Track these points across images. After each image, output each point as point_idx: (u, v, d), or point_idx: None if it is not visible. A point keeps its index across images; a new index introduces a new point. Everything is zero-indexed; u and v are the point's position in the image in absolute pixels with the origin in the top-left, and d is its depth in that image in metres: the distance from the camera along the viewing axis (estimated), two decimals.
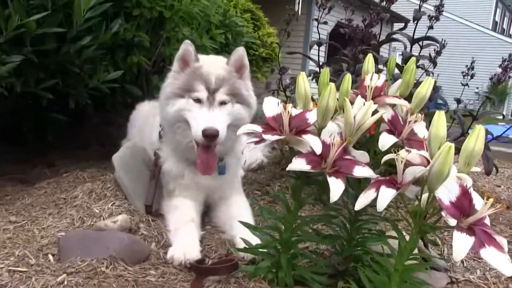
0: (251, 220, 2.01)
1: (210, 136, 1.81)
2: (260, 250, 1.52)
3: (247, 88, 2.03)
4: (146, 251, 1.74)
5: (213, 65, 2.01)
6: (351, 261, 1.59)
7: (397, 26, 8.93)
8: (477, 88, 16.10)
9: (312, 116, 1.35)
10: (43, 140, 3.14)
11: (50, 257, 1.64)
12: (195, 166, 2.00)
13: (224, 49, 4.00)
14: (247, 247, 1.55)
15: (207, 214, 2.19)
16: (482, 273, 1.79)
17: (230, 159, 2.16)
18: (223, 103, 1.93)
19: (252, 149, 3.02)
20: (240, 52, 2.00)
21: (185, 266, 1.65)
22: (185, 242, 1.76)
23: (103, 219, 1.89)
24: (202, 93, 1.91)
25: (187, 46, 1.99)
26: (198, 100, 1.92)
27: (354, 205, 1.47)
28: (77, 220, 1.90)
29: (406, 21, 2.75)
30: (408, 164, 1.20)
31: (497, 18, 26.69)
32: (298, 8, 9.39)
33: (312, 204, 2.20)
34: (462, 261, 1.84)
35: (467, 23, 21.97)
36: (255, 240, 1.60)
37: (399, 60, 2.30)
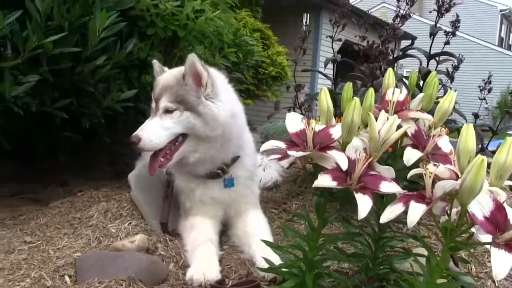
0: (269, 237, 1.99)
1: (131, 142, 1.85)
2: (284, 270, 1.48)
3: (198, 96, 1.91)
4: (165, 272, 1.71)
5: (167, 75, 2.03)
6: (376, 280, 1.55)
7: (404, 43, 8.96)
8: (487, 103, 16.00)
9: (336, 132, 1.32)
10: (55, 159, 3.13)
11: (67, 278, 1.62)
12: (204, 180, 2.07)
13: (235, 68, 4.01)
14: (270, 266, 1.51)
15: (224, 234, 2.16)
16: None
17: (237, 171, 2.13)
18: (167, 111, 1.90)
19: (267, 168, 3.00)
20: (189, 59, 1.90)
21: (205, 287, 1.62)
22: (204, 262, 1.73)
23: (120, 239, 1.87)
24: (152, 103, 1.96)
25: (154, 65, 2.11)
26: (153, 111, 1.97)
27: (377, 221, 1.46)
28: (93, 240, 1.88)
29: (413, 39, 2.74)
30: (436, 179, 1.17)
31: (503, 34, 26.85)
32: (307, 25, 9.43)
33: (333, 223, 2.17)
34: (492, 280, 1.78)
35: (473, 39, 22.05)
36: (275, 259, 1.57)
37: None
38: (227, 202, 2.13)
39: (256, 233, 1.97)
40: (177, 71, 2.01)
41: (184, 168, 2.06)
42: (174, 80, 1.95)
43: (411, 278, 1.28)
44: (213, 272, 1.67)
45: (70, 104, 2.40)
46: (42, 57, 2.06)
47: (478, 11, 25.17)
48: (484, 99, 2.55)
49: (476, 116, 2.62)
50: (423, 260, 1.33)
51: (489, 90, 2.57)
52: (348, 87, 1.42)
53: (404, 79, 2.59)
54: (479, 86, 2.58)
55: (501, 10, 25.53)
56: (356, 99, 1.27)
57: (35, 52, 1.98)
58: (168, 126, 1.89)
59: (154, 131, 1.87)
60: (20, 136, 2.86)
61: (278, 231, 2.21)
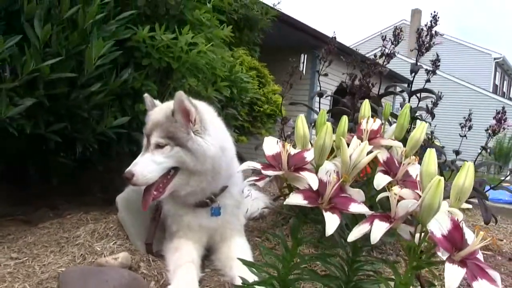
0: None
1: (125, 178, 1.92)
2: (257, 287, 1.53)
3: (187, 132, 1.99)
4: None
5: (157, 111, 2.10)
6: None
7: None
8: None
9: (309, 155, 1.40)
10: (47, 183, 3.19)
11: None
12: (192, 208, 2.12)
13: (229, 104, 4.11)
14: (244, 283, 1.56)
15: (207, 258, 2.20)
16: None
17: (225, 200, 2.20)
18: (158, 146, 1.97)
19: (254, 199, 3.07)
20: (177, 96, 1.98)
21: None
22: (183, 281, 1.79)
23: (104, 256, 1.92)
24: (144, 139, 2.04)
25: (145, 99, 2.19)
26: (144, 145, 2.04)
27: (351, 245, 1.53)
28: (78, 257, 1.93)
29: (409, 83, 2.84)
30: (400, 200, 1.24)
31: (497, 82, 27.40)
32: (303, 68, 9.67)
33: (313, 246, 2.22)
34: None
35: (468, 85, 22.47)
36: (254, 279, 1.62)
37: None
38: (214, 229, 2.19)
39: (239, 257, 2.03)
40: (167, 106, 2.08)
41: (175, 200, 2.13)
42: (164, 116, 2.02)
43: None
44: None
45: (64, 129, 2.48)
46: (39, 81, 2.15)
47: (473, 59, 25.86)
48: (465, 136, 2.66)
49: (457, 153, 2.72)
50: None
51: (470, 128, 2.68)
52: (321, 113, 1.51)
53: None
54: (460, 124, 2.70)
55: (495, 58, 26.17)
56: (328, 123, 1.36)
57: (32, 75, 2.07)
58: (160, 161, 1.96)
59: (146, 166, 1.94)
60: (14, 159, 2.94)
61: (260, 258, 2.25)
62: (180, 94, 1.98)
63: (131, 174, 1.90)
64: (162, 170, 1.97)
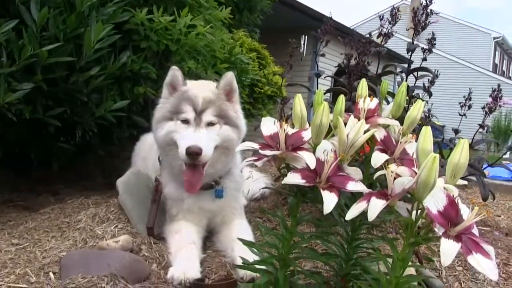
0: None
1: (192, 153, 1.86)
2: (258, 267, 1.55)
3: (235, 111, 2.10)
4: (147, 270, 1.77)
5: (201, 88, 2.10)
6: (349, 280, 1.61)
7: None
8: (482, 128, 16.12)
9: (307, 134, 1.41)
10: (48, 169, 3.20)
11: (51, 275, 1.68)
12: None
13: None
14: (244, 263, 1.58)
15: (209, 239, 2.23)
16: None
17: (228, 182, 2.22)
18: (210, 124, 2.00)
19: (256, 180, 3.08)
20: (228, 76, 2.09)
21: (185, 285, 1.68)
22: (185, 262, 1.80)
23: (106, 240, 1.93)
24: (190, 114, 1.99)
25: (174, 72, 2.10)
26: (185, 121, 2.00)
27: (350, 223, 1.55)
28: (80, 241, 1.95)
29: (409, 63, 2.83)
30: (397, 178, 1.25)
31: (497, 61, 27.34)
32: (304, 49, 9.58)
33: (313, 225, 2.24)
34: (459, 282, 1.85)
35: (468, 65, 22.40)
36: (254, 259, 1.63)
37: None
38: (214, 212, 2.20)
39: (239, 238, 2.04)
40: (209, 85, 2.15)
41: (178, 182, 2.12)
42: (215, 95, 2.06)
43: (376, 273, 1.35)
44: (193, 271, 1.73)
45: (63, 113, 2.47)
46: (37, 66, 2.14)
47: (472, 38, 25.82)
48: (464, 115, 2.67)
49: (456, 131, 2.73)
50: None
51: (469, 107, 2.68)
52: (319, 92, 1.51)
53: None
54: (460, 103, 2.70)
55: (494, 38, 26.15)
56: (325, 103, 1.36)
57: (30, 60, 2.06)
58: (213, 138, 1.99)
59: (208, 143, 1.94)
60: (14, 146, 2.95)
61: (262, 238, 2.27)
62: (231, 74, 2.09)
63: (200, 149, 1.87)
64: (214, 148, 1.99)
